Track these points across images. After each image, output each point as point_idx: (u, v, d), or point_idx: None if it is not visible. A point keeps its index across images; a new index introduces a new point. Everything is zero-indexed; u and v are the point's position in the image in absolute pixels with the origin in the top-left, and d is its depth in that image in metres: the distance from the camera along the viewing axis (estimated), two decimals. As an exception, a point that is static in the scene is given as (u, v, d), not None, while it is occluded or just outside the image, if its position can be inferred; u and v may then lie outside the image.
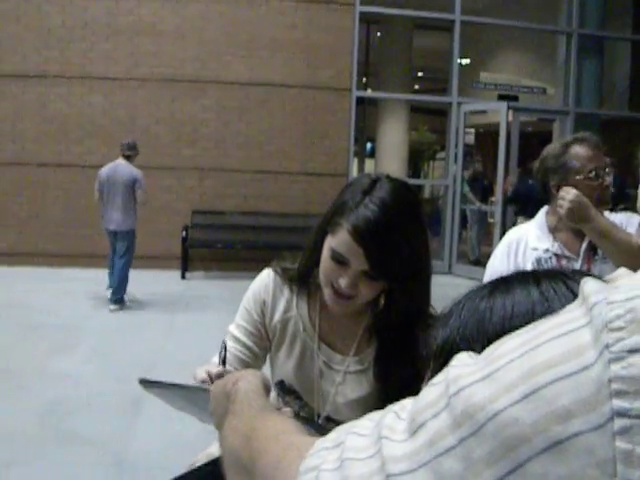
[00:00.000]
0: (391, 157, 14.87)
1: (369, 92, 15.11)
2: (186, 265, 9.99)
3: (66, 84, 10.34)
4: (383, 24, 14.52)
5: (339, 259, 1.55)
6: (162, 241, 10.35)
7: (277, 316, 1.83)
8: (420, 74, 20.09)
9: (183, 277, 9.90)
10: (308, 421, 1.67)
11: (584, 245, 2.50)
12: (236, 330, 1.90)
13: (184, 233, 10.08)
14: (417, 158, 23.62)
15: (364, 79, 16.09)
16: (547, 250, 2.52)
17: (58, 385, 5.33)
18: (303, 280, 1.79)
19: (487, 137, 17.65)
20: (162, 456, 4.14)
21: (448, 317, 0.72)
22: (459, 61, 11.61)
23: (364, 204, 1.52)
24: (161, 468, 3.98)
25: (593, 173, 2.43)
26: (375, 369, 1.69)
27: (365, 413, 0.64)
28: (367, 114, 16.37)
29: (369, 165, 18.44)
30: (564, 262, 2.46)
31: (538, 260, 2.50)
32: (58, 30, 10.30)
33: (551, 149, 2.61)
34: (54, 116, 10.36)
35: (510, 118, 11.38)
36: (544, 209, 2.66)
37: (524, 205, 9.85)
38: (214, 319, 7.62)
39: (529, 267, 2.39)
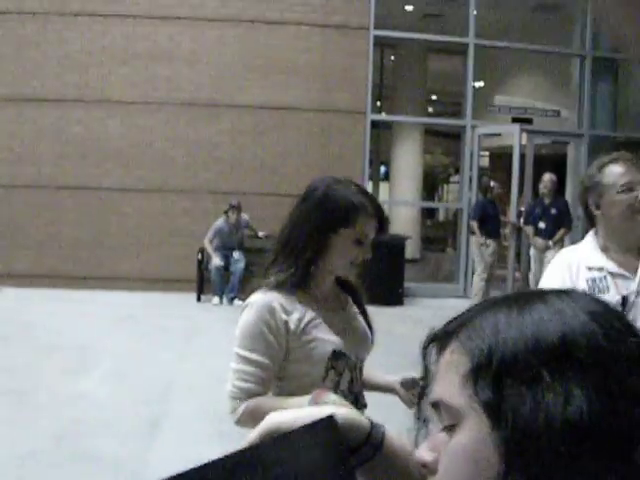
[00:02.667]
0: (405, 180, 14.90)
1: (384, 115, 15.15)
2: (202, 288, 10.01)
3: (84, 108, 10.47)
4: (397, 48, 14.61)
5: (363, 240, 2.00)
6: (178, 264, 10.39)
7: (300, 322, 2.00)
8: (434, 97, 20.14)
9: (199, 300, 9.92)
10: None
11: None
12: (257, 356, 2.00)
13: (200, 256, 10.11)
14: (431, 181, 23.63)
15: (379, 103, 16.15)
16: (601, 269, 2.51)
17: (74, 406, 5.36)
18: (304, 279, 2.02)
19: (502, 160, 17.65)
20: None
21: (476, 329, 0.70)
22: (473, 84, 11.65)
23: (353, 194, 2.01)
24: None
25: (625, 187, 2.44)
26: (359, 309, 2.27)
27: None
28: (381, 138, 16.42)
29: (383, 188, 18.45)
30: (619, 280, 2.46)
31: (593, 280, 2.49)
32: (77, 55, 10.45)
33: (588, 171, 2.64)
34: (72, 139, 10.48)
35: (524, 141, 11.39)
36: (592, 231, 2.66)
37: (482, 224, 9.85)
38: (229, 343, 7.63)
39: (583, 286, 2.42)
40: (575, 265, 2.54)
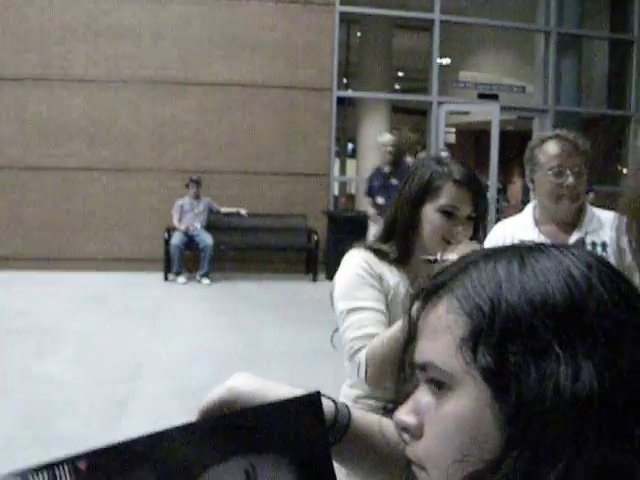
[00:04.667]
0: (372, 157, 14.89)
1: (350, 92, 15.12)
2: (169, 267, 9.96)
3: (46, 86, 10.29)
4: (363, 24, 14.54)
5: (449, 211, 1.90)
6: (145, 243, 10.32)
7: (391, 281, 1.95)
8: (400, 74, 20.13)
9: (166, 279, 9.88)
10: None
11: (573, 237, 2.53)
12: (366, 302, 1.90)
13: (166, 235, 10.05)
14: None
15: (345, 79, 16.11)
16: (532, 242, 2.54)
17: (42, 388, 5.31)
18: (400, 255, 1.98)
19: (467, 137, 17.73)
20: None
21: (469, 283, 0.65)
22: (439, 60, 11.65)
23: (451, 167, 1.93)
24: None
25: (555, 170, 2.48)
26: None
27: None
28: (348, 114, 16.38)
29: (350, 165, 18.45)
30: None
31: None
32: (37, 32, 10.25)
33: (532, 141, 2.68)
34: (34, 119, 10.31)
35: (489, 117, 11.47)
36: (532, 203, 2.70)
37: None
38: (197, 321, 7.63)
39: None
40: (510, 237, 2.58)
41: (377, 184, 7.99)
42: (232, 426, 0.74)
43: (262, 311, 7.96)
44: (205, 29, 10.61)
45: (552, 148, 2.53)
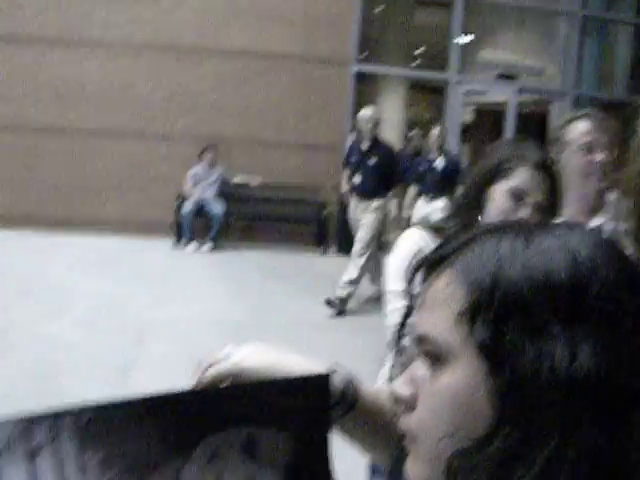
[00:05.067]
0: (388, 133, 14.82)
1: (368, 67, 15.02)
2: (180, 234, 9.96)
3: (63, 49, 10.26)
4: (384, -2, 14.40)
5: (518, 194, 1.83)
6: (157, 209, 10.33)
7: None
8: (419, 51, 19.97)
9: (176, 246, 9.89)
10: None
11: (594, 223, 2.50)
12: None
13: (178, 202, 10.05)
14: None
15: (363, 54, 16.00)
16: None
17: (49, 349, 5.36)
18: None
19: (485, 116, 17.60)
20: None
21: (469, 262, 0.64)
22: (459, 39, 11.54)
23: (529, 151, 1.88)
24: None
25: (586, 146, 2.45)
26: None
27: None
28: (365, 90, 16.27)
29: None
30: None
31: None
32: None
33: (559, 122, 2.65)
34: (49, 80, 10.28)
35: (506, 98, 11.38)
36: None
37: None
38: (204, 288, 7.66)
39: None
40: None
41: (354, 160, 7.51)
42: (234, 398, 0.75)
43: (271, 281, 7.97)
44: (222, -4, 10.54)
45: (582, 125, 2.49)
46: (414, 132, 9.47)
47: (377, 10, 14.93)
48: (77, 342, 5.57)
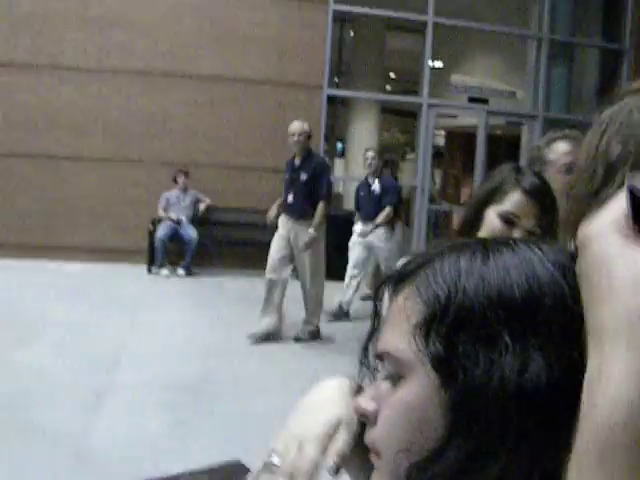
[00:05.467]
0: (361, 157, 14.89)
1: (340, 91, 15.13)
2: (153, 259, 9.91)
3: (35, 73, 10.22)
4: (356, 23, 14.54)
5: (508, 219, 1.84)
6: (130, 235, 10.26)
7: None
8: (392, 75, 20.16)
9: (149, 271, 9.83)
10: None
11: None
12: None
13: (151, 226, 10.01)
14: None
15: (336, 78, 16.12)
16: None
17: (20, 377, 5.28)
18: None
19: (457, 139, 17.76)
20: (124, 449, 4.12)
21: (429, 274, 0.64)
22: (431, 63, 11.66)
23: (524, 177, 1.89)
24: (122, 460, 3.96)
25: (567, 166, 2.47)
26: None
27: None
28: (338, 114, 16.38)
29: (339, 165, 18.44)
30: None
31: None
32: (28, 18, 10.17)
33: (539, 142, 2.68)
34: (22, 106, 10.22)
35: (477, 121, 11.50)
36: None
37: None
38: (178, 315, 7.61)
39: None
40: None
41: (287, 177, 7.07)
42: None
43: (245, 306, 7.92)
44: (197, 22, 10.57)
45: (562, 146, 2.52)
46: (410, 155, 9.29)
47: (349, 35, 15.08)
48: (48, 370, 5.49)
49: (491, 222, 1.87)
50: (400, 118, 20.50)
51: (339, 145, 20.32)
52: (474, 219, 1.92)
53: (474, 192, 2.01)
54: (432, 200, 12.55)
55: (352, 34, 15.15)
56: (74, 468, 3.87)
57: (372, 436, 0.67)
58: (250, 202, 10.51)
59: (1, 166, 10.20)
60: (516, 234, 1.82)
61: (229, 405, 5.01)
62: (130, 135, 10.47)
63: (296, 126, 6.93)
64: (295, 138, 6.89)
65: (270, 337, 6.72)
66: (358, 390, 0.79)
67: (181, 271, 9.79)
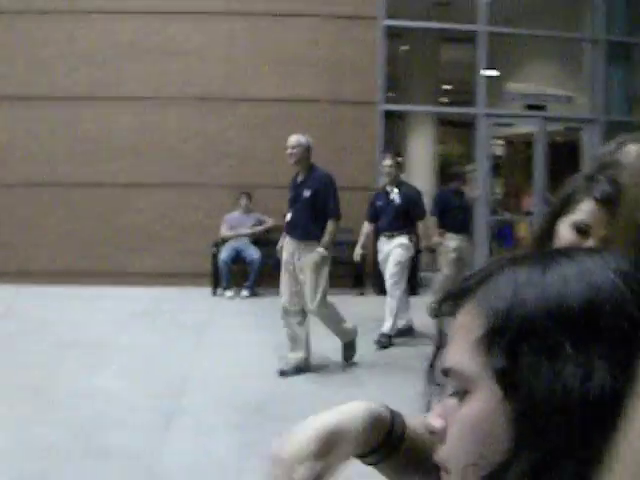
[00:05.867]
0: (419, 171, 14.85)
1: (395, 106, 15.14)
2: (217, 282, 10.02)
3: (96, 105, 10.49)
4: (408, 37, 14.54)
5: (580, 229, 1.79)
6: (192, 258, 10.41)
7: None
8: (447, 87, 20.07)
9: (214, 294, 9.94)
10: None
11: None
12: None
13: (214, 249, 10.13)
14: (446, 171, 23.51)
15: (390, 93, 16.13)
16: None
17: (90, 401, 5.39)
18: None
19: (516, 148, 17.55)
20: (192, 470, 4.17)
21: (485, 289, 0.65)
22: (486, 72, 11.57)
23: (596, 185, 1.83)
24: (192, 482, 4.00)
25: None
26: None
27: None
28: (394, 128, 16.36)
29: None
30: None
31: None
32: (87, 52, 10.48)
33: (606, 147, 2.62)
34: (84, 136, 10.51)
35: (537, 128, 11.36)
36: None
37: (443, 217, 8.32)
38: (243, 336, 7.66)
39: None
40: None
41: (290, 195, 6.64)
42: None
43: (310, 324, 7.93)
44: (251, 45, 10.72)
45: (637, 149, 2.47)
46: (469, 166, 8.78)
47: (402, 49, 15.08)
48: (118, 393, 5.60)
49: (564, 233, 1.83)
50: (456, 129, 20.36)
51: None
52: (548, 231, 1.88)
53: (550, 203, 1.95)
54: (494, 211, 12.42)
55: (404, 48, 15.15)
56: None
57: (441, 454, 0.67)
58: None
59: (66, 196, 10.49)
60: (589, 244, 1.77)
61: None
62: (189, 160, 10.64)
63: (291, 139, 6.58)
64: (289, 151, 6.49)
65: (299, 371, 6.29)
66: (384, 415, 0.84)
67: (245, 292, 9.88)
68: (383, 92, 11.18)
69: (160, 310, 8.81)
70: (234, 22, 10.70)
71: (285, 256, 6.51)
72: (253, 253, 9.99)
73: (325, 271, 6.37)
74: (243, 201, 10.28)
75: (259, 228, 10.37)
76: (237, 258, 10.03)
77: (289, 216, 6.49)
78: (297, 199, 6.42)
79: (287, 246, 6.52)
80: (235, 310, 9.11)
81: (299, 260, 6.36)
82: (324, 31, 10.79)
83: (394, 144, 17.60)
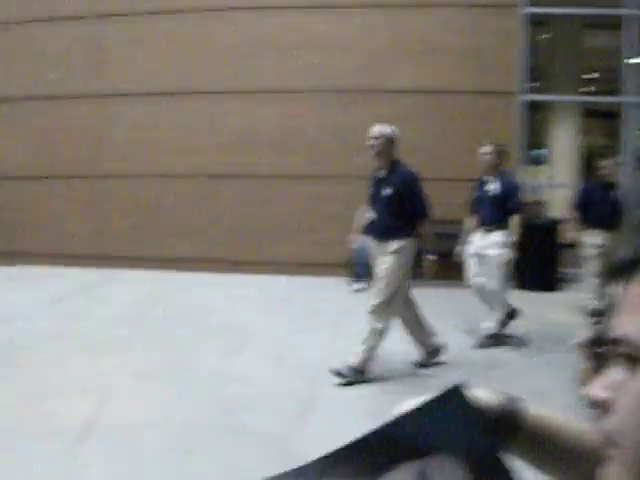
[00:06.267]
0: (562, 163, 14.45)
1: (536, 96, 14.77)
2: (354, 273, 10.11)
3: (238, 99, 10.84)
4: (550, 24, 14.14)
5: None
6: (332, 249, 10.54)
7: None
8: (591, 76, 19.36)
9: (351, 284, 10.04)
10: None
11: None
12: None
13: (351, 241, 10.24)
14: (589, 163, 22.69)
15: (532, 83, 15.74)
16: None
17: (229, 383, 5.61)
18: None
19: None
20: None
21: None
22: (632, 60, 11.10)
23: None
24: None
25: None
26: None
27: None
28: (537, 119, 15.94)
29: (541, 171, 17.91)
30: None
31: None
32: (229, 49, 10.84)
33: None
34: (228, 129, 10.89)
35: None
36: None
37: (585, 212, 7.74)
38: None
39: None
40: None
41: (370, 192, 6.19)
42: (391, 435, 0.76)
43: (450, 319, 7.89)
44: (389, 37, 10.74)
45: None
46: (607, 162, 8.11)
47: (543, 38, 14.67)
48: (255, 377, 5.78)
49: None
50: (602, 120, 19.60)
51: (539, 152, 19.76)
52: None
53: None
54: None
55: (546, 36, 14.75)
56: (277, 468, 4.05)
57: (608, 426, 0.64)
58: (446, 214, 10.47)
59: (210, 186, 10.90)
60: None
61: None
62: (328, 152, 10.80)
63: (374, 129, 6.06)
64: (370, 142, 5.98)
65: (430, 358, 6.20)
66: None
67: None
68: (524, 82, 10.93)
69: (298, 298, 9.00)
70: (372, 14, 10.75)
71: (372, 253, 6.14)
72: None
73: (398, 278, 5.87)
74: None
75: None
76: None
77: (373, 216, 6.03)
78: (377, 197, 5.98)
79: (371, 249, 6.16)
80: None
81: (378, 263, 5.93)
82: (464, 21, 10.66)
83: (536, 136, 17.18)
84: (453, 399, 0.75)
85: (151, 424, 4.70)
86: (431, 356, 6.25)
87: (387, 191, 5.86)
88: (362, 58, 10.78)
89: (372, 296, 5.93)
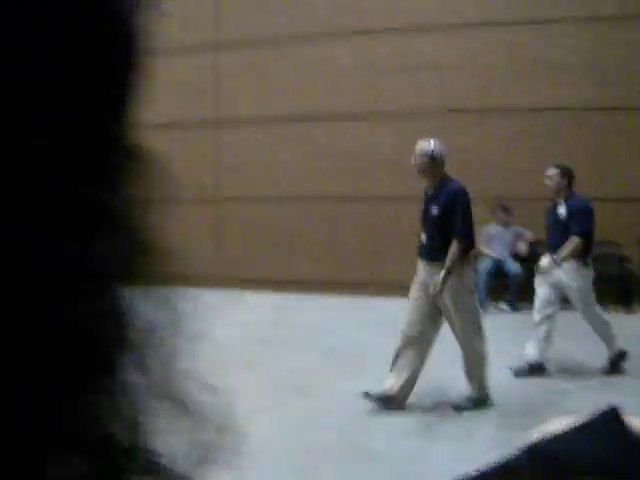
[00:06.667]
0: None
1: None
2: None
3: (354, 120, 10.86)
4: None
5: None
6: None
7: None
8: None
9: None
10: None
11: None
12: None
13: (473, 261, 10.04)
14: None
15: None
16: None
17: (348, 405, 5.53)
18: None
19: None
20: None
21: None
22: None
23: None
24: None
25: None
26: None
27: None
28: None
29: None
30: None
31: None
32: (346, 70, 10.90)
33: None
34: (343, 153, 10.92)
35: None
36: None
37: None
38: (505, 350, 7.45)
39: None
40: None
41: (421, 212, 5.97)
42: (538, 457, 0.68)
43: (571, 345, 7.62)
44: (506, 55, 10.55)
45: None
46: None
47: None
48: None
49: None
50: None
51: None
52: None
53: None
54: None
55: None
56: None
57: None
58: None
59: (331, 209, 10.97)
60: None
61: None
62: (448, 173, 10.62)
63: (417, 146, 5.81)
64: (413, 161, 5.77)
65: (388, 402, 5.49)
66: None
67: (504, 306, 9.66)
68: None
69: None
70: (488, 33, 10.58)
71: (419, 277, 5.92)
72: (513, 268, 9.77)
73: (468, 300, 5.71)
74: (500, 215, 10.06)
75: (519, 248, 10.05)
76: (496, 270, 9.84)
77: (422, 236, 5.81)
78: (427, 216, 5.76)
79: (420, 267, 5.89)
80: (495, 324, 8.89)
81: (435, 289, 5.61)
82: (586, 35, 10.32)
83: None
84: (609, 422, 0.70)
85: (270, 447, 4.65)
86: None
87: (435, 210, 5.65)
88: (479, 77, 10.62)
89: (459, 334, 5.90)
